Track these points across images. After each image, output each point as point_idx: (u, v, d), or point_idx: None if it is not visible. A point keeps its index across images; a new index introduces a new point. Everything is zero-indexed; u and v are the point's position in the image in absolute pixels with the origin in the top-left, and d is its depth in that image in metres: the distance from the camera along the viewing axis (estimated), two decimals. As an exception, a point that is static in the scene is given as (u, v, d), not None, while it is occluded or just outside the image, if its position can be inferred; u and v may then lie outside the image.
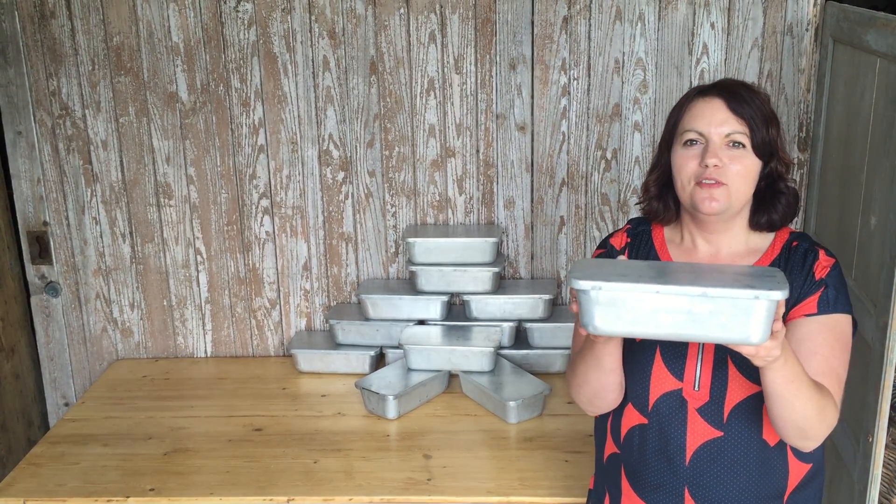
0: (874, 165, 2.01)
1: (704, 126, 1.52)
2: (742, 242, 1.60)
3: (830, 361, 1.50)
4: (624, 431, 1.63)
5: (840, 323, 1.52)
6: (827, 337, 1.50)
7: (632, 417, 1.61)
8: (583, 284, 1.31)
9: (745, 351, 1.31)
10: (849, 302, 1.54)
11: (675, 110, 1.60)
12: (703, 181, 1.51)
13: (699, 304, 1.27)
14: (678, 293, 1.28)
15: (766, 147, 1.53)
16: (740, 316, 1.27)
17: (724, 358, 1.52)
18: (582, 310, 1.34)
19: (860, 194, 2.08)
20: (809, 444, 1.50)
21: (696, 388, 1.54)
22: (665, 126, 1.62)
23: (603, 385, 1.57)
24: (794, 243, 1.58)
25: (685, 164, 1.53)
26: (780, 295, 1.25)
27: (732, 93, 1.53)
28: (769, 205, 1.57)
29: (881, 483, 1.96)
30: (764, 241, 1.60)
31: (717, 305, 1.27)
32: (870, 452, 1.91)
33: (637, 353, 1.58)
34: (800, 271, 1.54)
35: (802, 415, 1.42)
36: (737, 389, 1.52)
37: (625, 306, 1.31)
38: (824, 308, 1.51)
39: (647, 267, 1.41)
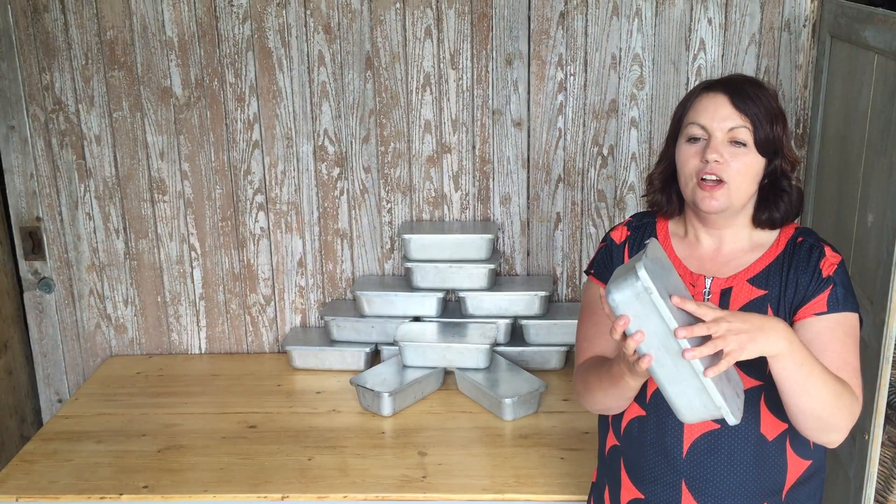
0: (871, 162, 2.00)
1: (707, 120, 1.53)
2: (745, 238, 1.61)
3: (843, 356, 1.50)
4: (624, 423, 1.64)
5: (849, 320, 1.53)
6: (837, 333, 1.51)
7: (632, 409, 1.62)
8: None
9: None
10: (855, 299, 1.55)
11: (682, 104, 1.61)
12: (704, 177, 1.52)
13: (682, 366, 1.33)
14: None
15: (770, 145, 1.53)
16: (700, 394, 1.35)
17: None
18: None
19: (857, 191, 2.08)
20: (834, 436, 1.49)
21: None
22: (672, 120, 1.64)
23: (620, 406, 1.61)
24: (800, 239, 1.59)
25: (688, 161, 1.55)
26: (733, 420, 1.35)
27: (737, 89, 1.54)
28: (771, 202, 1.58)
29: (877, 481, 1.95)
30: (769, 236, 1.61)
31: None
32: (866, 450, 1.91)
33: None
34: (805, 268, 1.54)
35: (820, 400, 1.42)
36: None
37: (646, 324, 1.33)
38: (834, 306, 1.51)
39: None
